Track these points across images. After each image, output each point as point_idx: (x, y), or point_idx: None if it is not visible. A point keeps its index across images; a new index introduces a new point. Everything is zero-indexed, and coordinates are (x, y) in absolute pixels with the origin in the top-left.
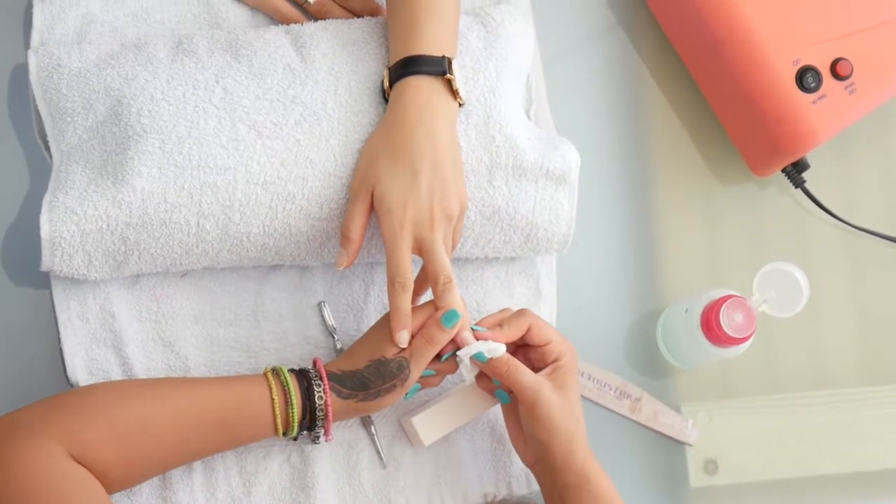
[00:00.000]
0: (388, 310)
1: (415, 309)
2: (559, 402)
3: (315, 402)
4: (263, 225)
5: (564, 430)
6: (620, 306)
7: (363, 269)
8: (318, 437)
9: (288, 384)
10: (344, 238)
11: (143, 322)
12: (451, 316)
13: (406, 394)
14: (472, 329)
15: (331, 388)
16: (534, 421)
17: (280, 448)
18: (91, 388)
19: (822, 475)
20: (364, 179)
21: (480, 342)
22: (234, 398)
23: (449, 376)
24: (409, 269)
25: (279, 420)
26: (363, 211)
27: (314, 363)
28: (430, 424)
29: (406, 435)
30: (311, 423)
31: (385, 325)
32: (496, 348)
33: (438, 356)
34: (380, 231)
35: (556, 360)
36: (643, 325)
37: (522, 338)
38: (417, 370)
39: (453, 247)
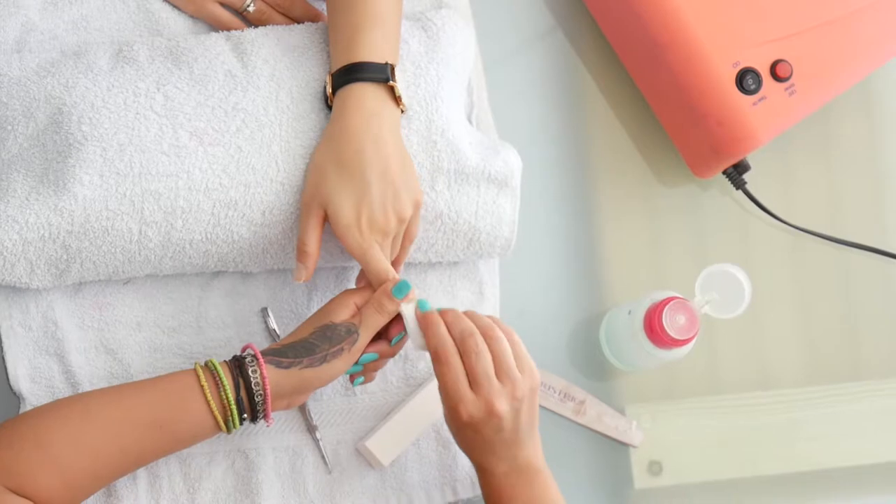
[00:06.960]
0: None
1: (367, 288)
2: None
3: (250, 379)
4: (206, 232)
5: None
6: (564, 309)
7: None
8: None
9: (216, 368)
10: (301, 252)
11: (85, 330)
12: (402, 287)
13: (354, 381)
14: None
15: (270, 362)
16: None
17: (224, 454)
18: (19, 418)
19: (766, 475)
20: (315, 195)
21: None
22: (162, 395)
23: (391, 395)
24: (391, 268)
25: (214, 408)
26: (317, 224)
27: (243, 349)
28: (384, 445)
29: (366, 460)
30: (252, 411)
31: (331, 302)
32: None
33: (389, 338)
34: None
35: None
36: (586, 327)
37: None
38: (366, 336)
39: (411, 239)
